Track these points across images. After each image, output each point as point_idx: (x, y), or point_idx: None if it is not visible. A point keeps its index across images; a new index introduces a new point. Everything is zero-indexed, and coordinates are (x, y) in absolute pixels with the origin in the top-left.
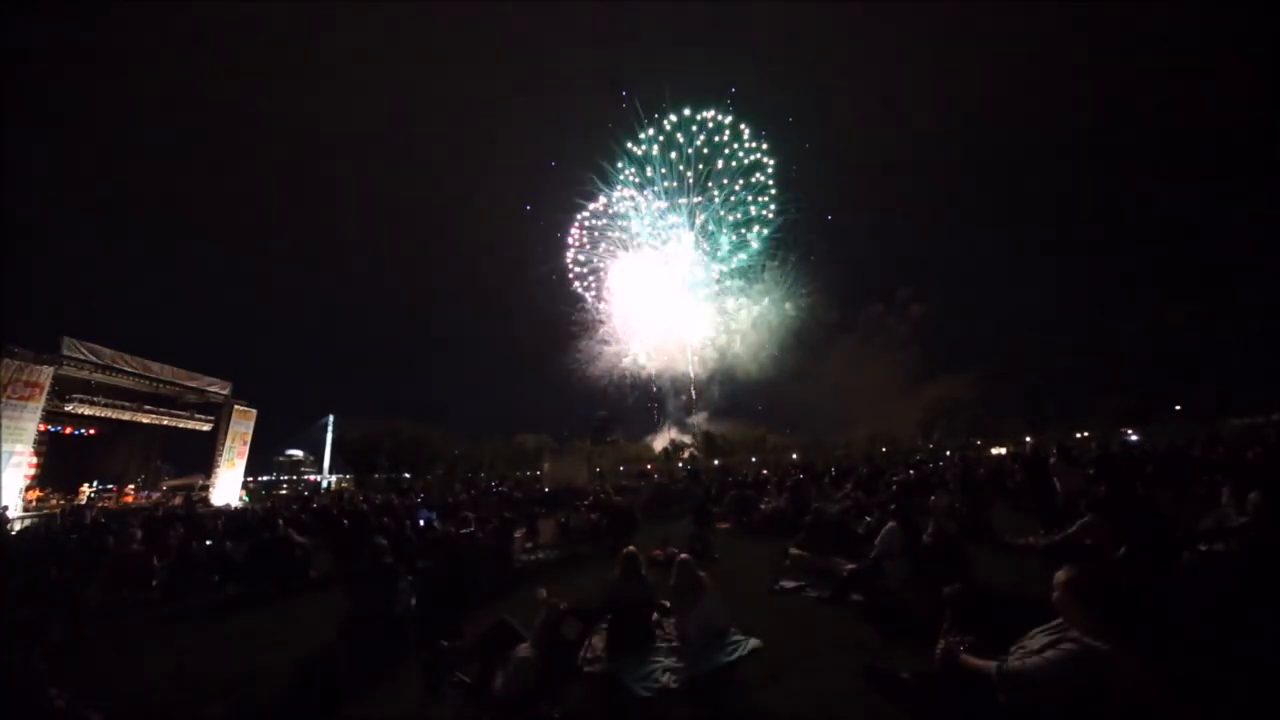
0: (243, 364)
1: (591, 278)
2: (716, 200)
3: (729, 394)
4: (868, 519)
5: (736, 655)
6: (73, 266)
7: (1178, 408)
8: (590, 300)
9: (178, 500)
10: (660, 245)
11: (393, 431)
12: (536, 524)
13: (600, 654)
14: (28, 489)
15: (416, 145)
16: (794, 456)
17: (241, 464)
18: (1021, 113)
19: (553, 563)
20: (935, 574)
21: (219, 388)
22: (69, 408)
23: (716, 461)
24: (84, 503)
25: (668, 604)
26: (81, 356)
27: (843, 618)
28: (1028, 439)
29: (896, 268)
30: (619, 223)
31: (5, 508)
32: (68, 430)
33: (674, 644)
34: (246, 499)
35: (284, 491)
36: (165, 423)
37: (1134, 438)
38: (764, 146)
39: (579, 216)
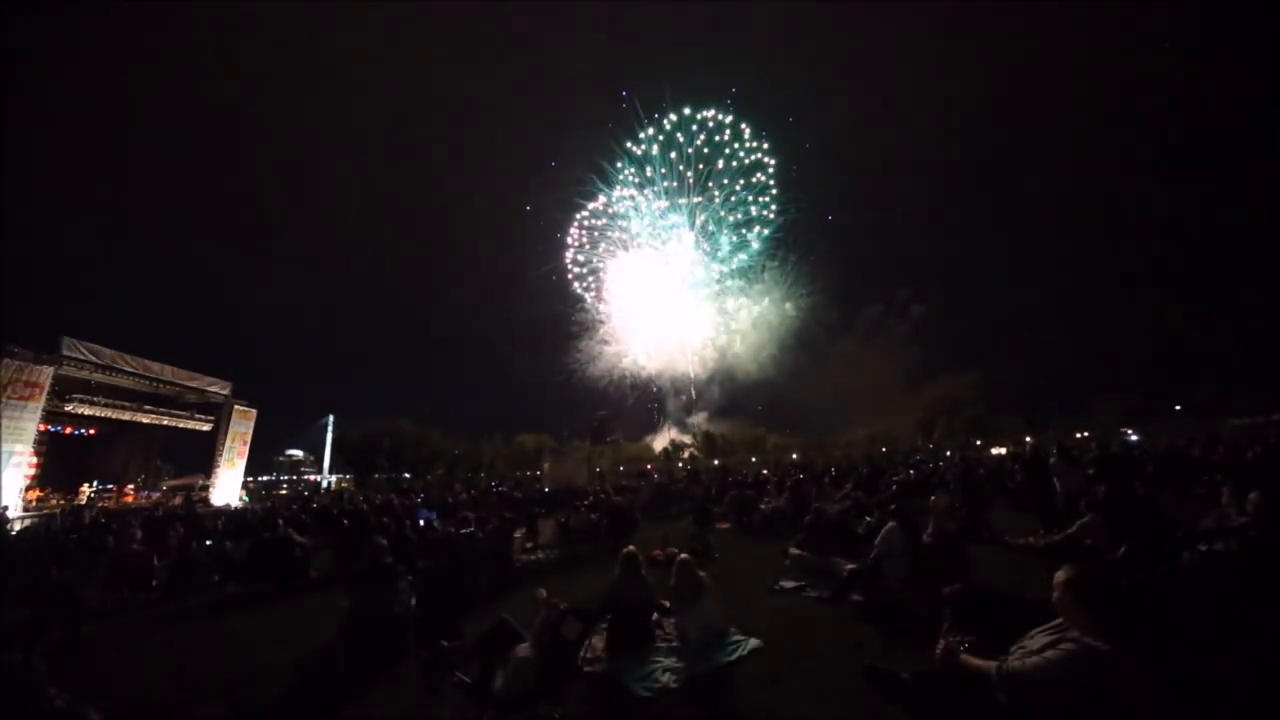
0: (243, 364)
1: (591, 278)
2: (717, 200)
3: (729, 394)
4: (868, 519)
5: (736, 655)
6: (73, 266)
7: (1178, 408)
8: (590, 300)
9: (178, 500)
10: (660, 245)
11: (393, 431)
12: (536, 524)
13: (600, 654)
14: (28, 489)
15: (416, 145)
16: (794, 456)
17: (241, 464)
18: (1021, 113)
19: (553, 563)
20: (935, 574)
21: (219, 388)
22: (69, 408)
23: (716, 461)
24: (84, 503)
25: (668, 604)
26: (81, 356)
27: (843, 618)
28: (1028, 439)
29: (896, 268)
30: (619, 223)
31: (5, 508)
32: (68, 430)
33: (674, 644)
34: (246, 499)
35: (284, 491)
36: (165, 423)
37: (1134, 438)
38: (765, 146)
39: (579, 216)
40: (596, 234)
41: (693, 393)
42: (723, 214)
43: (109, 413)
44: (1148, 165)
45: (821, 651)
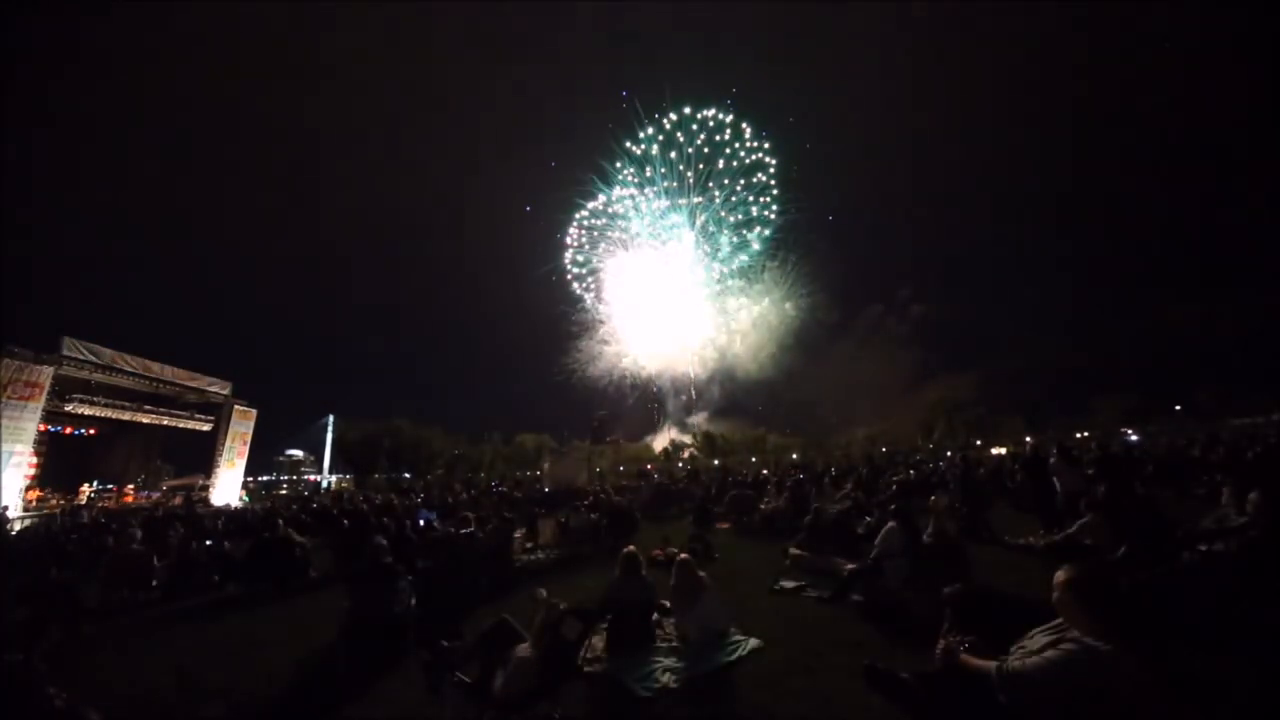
0: (243, 364)
1: (591, 278)
2: (717, 200)
3: (729, 394)
4: (868, 519)
5: (736, 655)
6: (73, 266)
7: (1178, 408)
8: (590, 300)
9: (178, 500)
10: (660, 245)
11: (393, 431)
12: (536, 524)
13: (600, 654)
14: (28, 489)
15: (417, 145)
16: (794, 456)
17: (241, 464)
18: (1022, 113)
19: (553, 563)
20: (935, 574)
21: (219, 388)
22: (69, 408)
23: (716, 461)
24: (83, 503)
25: (668, 604)
26: (81, 356)
27: (843, 618)
28: (1028, 439)
29: (897, 268)
30: (619, 222)
31: (5, 508)
32: (68, 430)
33: (674, 644)
34: (246, 499)
35: (284, 491)
36: (165, 423)
37: (1134, 438)
38: (765, 145)
39: (579, 217)
40: (596, 234)
41: (693, 393)
42: (723, 214)
43: (109, 413)
44: (1148, 165)
45: (821, 651)
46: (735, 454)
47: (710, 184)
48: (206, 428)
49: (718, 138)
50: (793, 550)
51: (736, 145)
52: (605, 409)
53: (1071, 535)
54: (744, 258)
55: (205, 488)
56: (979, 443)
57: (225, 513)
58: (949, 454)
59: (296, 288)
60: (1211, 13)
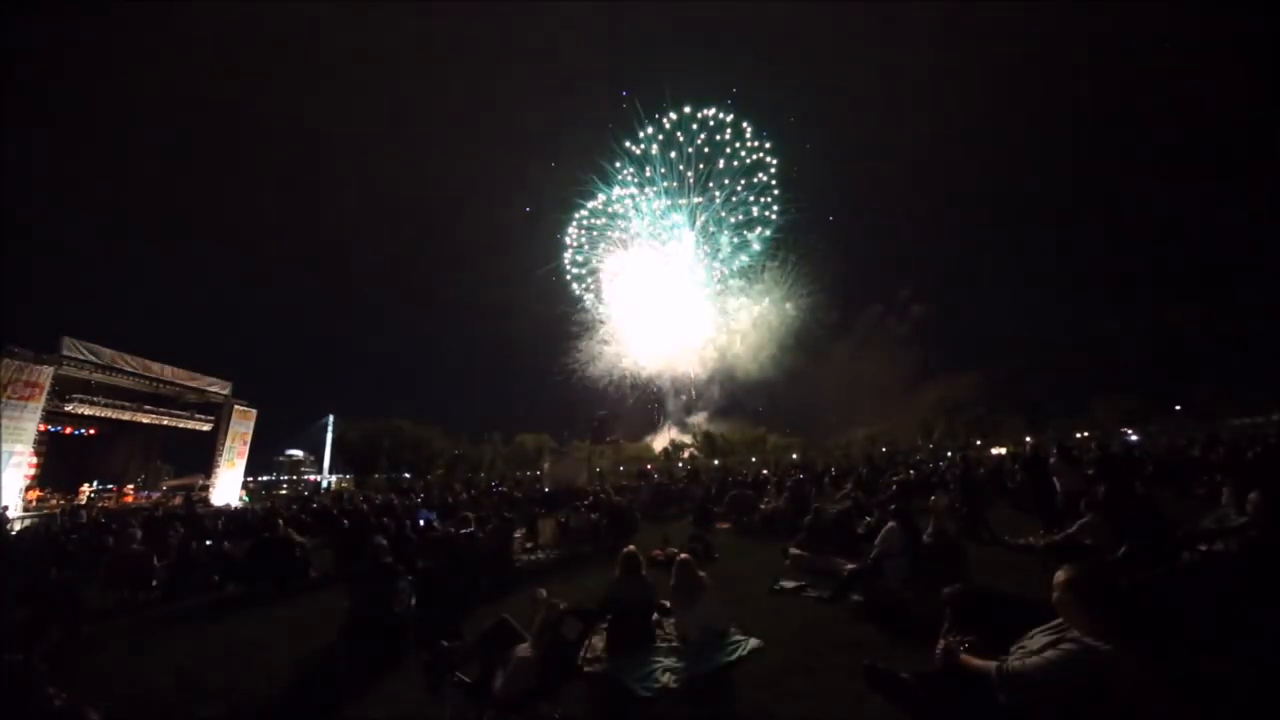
0: (243, 364)
1: (591, 278)
2: (717, 200)
3: (729, 394)
4: (868, 519)
5: (736, 655)
6: (73, 266)
7: (1178, 408)
8: (590, 300)
9: (178, 500)
10: (660, 245)
11: (393, 431)
12: (536, 524)
13: (600, 654)
14: (28, 489)
15: (417, 145)
16: (794, 456)
17: (241, 464)
18: (1022, 113)
19: (553, 563)
20: (935, 574)
21: (219, 388)
22: (69, 408)
23: (716, 461)
24: (83, 503)
25: (668, 604)
26: (81, 356)
27: (843, 618)
28: (1028, 439)
29: (897, 268)
30: (619, 222)
31: (5, 508)
32: (68, 430)
33: (674, 644)
34: (246, 499)
35: (284, 491)
36: (165, 423)
37: (1134, 438)
38: (767, 145)
39: (578, 216)
40: (596, 234)
41: (693, 393)
42: (723, 214)
43: (109, 413)
44: (1148, 165)
45: (821, 651)
46: (735, 454)
47: (710, 184)
48: (206, 428)
49: (718, 137)
50: (793, 550)
51: (737, 145)
52: (605, 409)
53: (1071, 535)
54: (744, 258)
55: (205, 488)
56: (979, 443)
57: (225, 513)
58: (949, 454)
59: (296, 288)
60: (1211, 13)
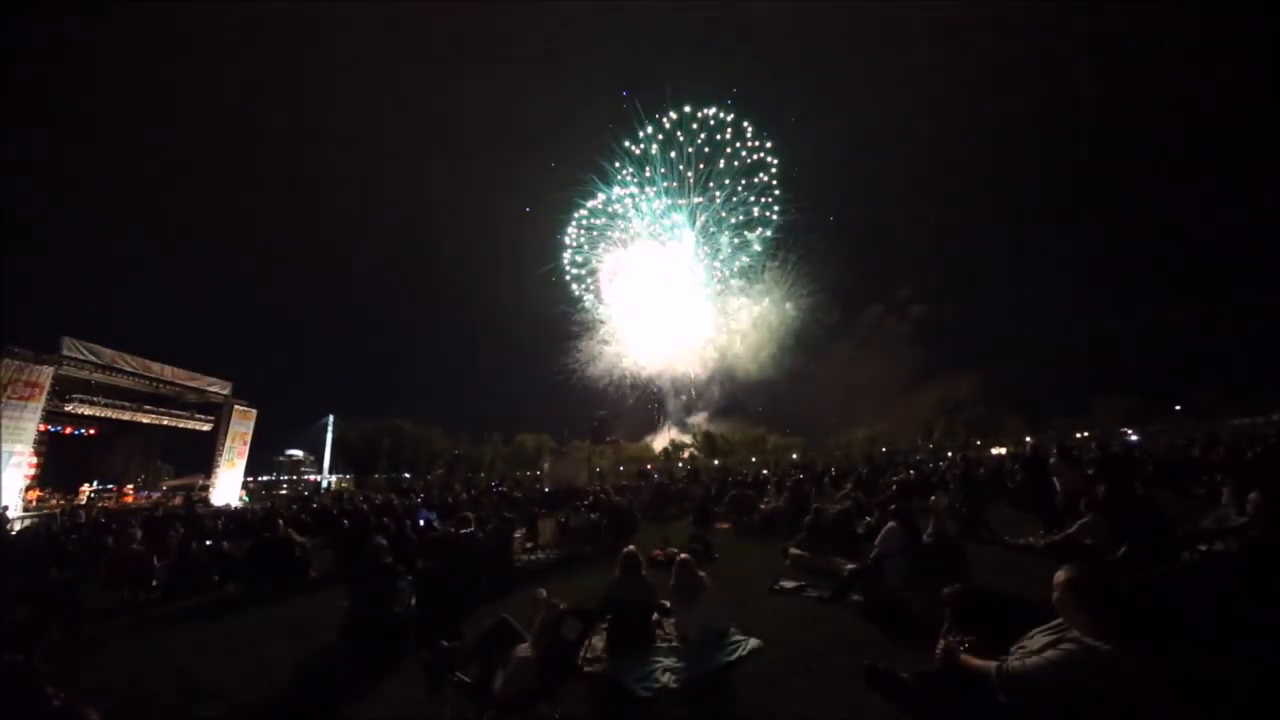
0: (243, 364)
1: (591, 278)
2: (718, 200)
3: (729, 394)
4: (868, 519)
5: (736, 655)
6: (73, 266)
7: (1178, 408)
8: (590, 300)
9: (178, 500)
10: (661, 245)
11: (393, 431)
12: (536, 524)
13: (600, 654)
14: (28, 489)
15: (417, 145)
16: (794, 456)
17: (241, 464)
18: (1023, 113)
19: (553, 563)
20: (935, 574)
21: (219, 388)
22: (69, 408)
23: (716, 461)
24: (83, 503)
25: (668, 604)
26: (81, 356)
27: (843, 618)
28: (1028, 439)
29: (897, 268)
30: (619, 222)
31: (5, 508)
32: (68, 430)
33: (674, 644)
34: (246, 499)
35: (284, 491)
36: (165, 423)
37: (1134, 438)
38: (768, 145)
39: (578, 216)
40: (596, 234)
41: (693, 393)
42: (723, 214)
43: (109, 413)
44: (1148, 165)
45: (821, 651)
46: (735, 454)
47: (710, 184)
48: (206, 428)
49: (718, 137)
50: (793, 550)
51: (737, 144)
52: (605, 409)
53: (1071, 535)
54: (744, 258)
55: (205, 488)
56: (979, 443)
57: (225, 513)
58: (949, 454)
59: (296, 287)
60: (1211, 13)
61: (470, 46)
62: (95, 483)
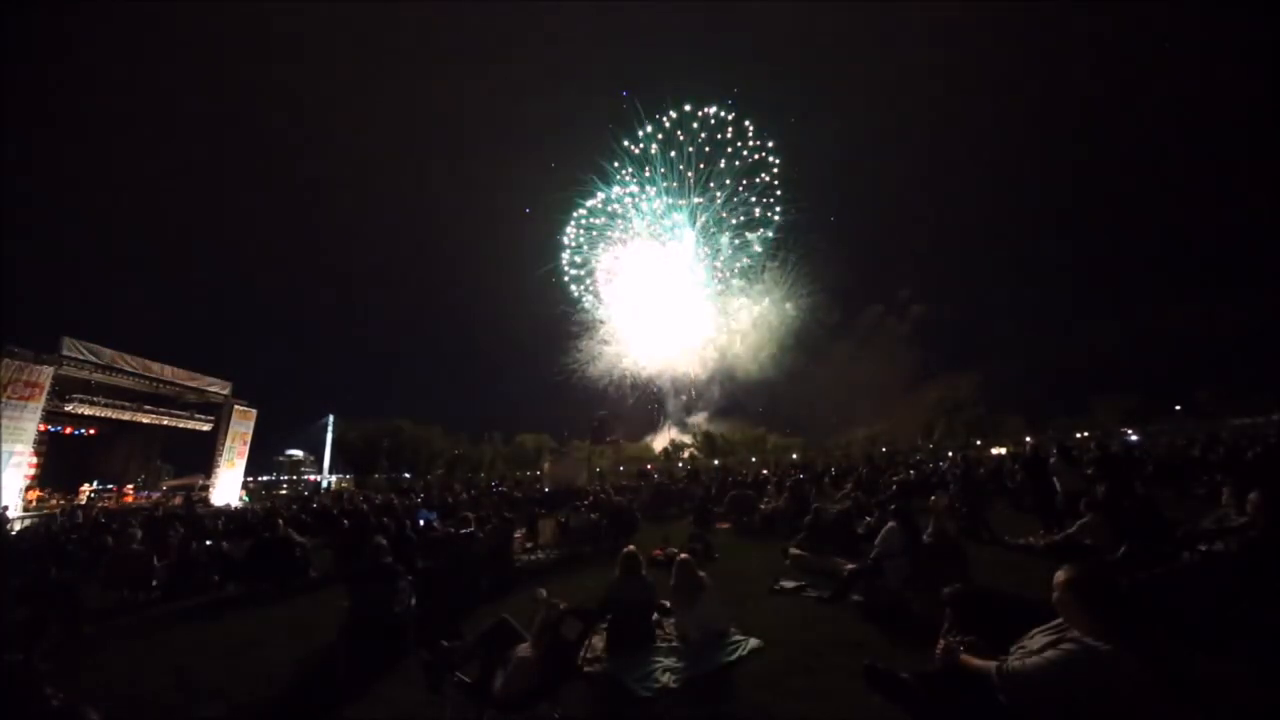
0: (243, 364)
1: (591, 278)
2: (718, 200)
3: (729, 394)
4: (868, 519)
5: (736, 655)
6: (73, 266)
7: (1178, 408)
8: (590, 300)
9: (178, 500)
10: (661, 245)
11: (393, 431)
12: (536, 524)
13: (600, 654)
14: (28, 489)
15: (416, 145)
16: (794, 456)
17: (241, 464)
18: (1023, 113)
19: (553, 563)
20: (935, 574)
21: (219, 388)
22: (69, 408)
23: (716, 461)
24: (83, 503)
25: (668, 604)
26: (81, 356)
27: (843, 618)
28: (1028, 439)
29: (897, 268)
30: (619, 222)
31: (5, 508)
32: (68, 430)
33: (674, 644)
34: (246, 499)
35: (284, 491)
36: (165, 423)
37: (1134, 438)
38: (770, 145)
39: (578, 216)
40: (596, 234)
41: (693, 393)
42: (723, 214)
43: (109, 413)
44: (1148, 165)
45: (821, 651)
46: (735, 454)
47: (711, 184)
48: (206, 428)
49: (719, 136)
50: (793, 550)
51: (738, 144)
52: (605, 409)
53: (1071, 535)
54: (747, 261)
55: (205, 488)
56: (979, 443)
57: (225, 513)
58: (949, 454)
59: (296, 287)
60: (1211, 13)
61: (470, 46)
62: (95, 483)
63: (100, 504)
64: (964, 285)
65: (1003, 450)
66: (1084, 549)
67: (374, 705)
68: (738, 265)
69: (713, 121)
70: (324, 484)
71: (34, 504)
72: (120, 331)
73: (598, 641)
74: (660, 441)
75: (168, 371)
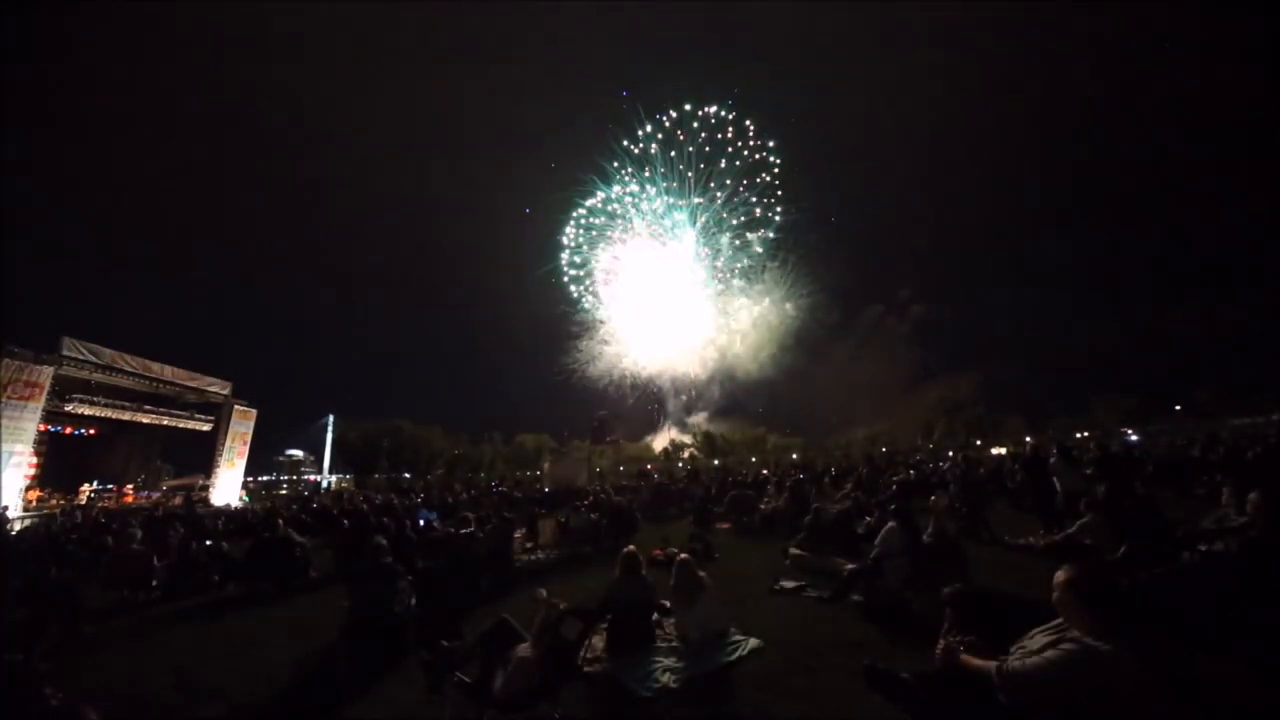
0: (243, 364)
1: (591, 278)
2: (718, 200)
3: (729, 394)
4: (868, 519)
5: (736, 655)
6: (73, 266)
7: (1178, 408)
8: (590, 300)
9: (178, 500)
10: (661, 245)
11: (393, 431)
12: (536, 524)
13: (600, 654)
14: (28, 489)
15: (416, 145)
16: (794, 456)
17: (241, 464)
18: (1023, 114)
19: (553, 563)
20: (935, 574)
21: (219, 388)
22: (69, 408)
23: (716, 461)
24: (83, 503)
25: (668, 604)
26: (81, 356)
27: (843, 618)
28: (1028, 439)
29: (897, 268)
30: (619, 222)
31: (5, 508)
32: (68, 430)
33: (674, 644)
34: (246, 499)
35: (284, 491)
36: (165, 423)
37: (1134, 438)
38: (771, 144)
39: (578, 216)
40: (596, 234)
41: (693, 393)
42: (724, 214)
43: (109, 413)
44: (1148, 165)
45: (821, 651)
46: (735, 454)
47: (711, 184)
48: (206, 428)
49: (719, 136)
50: (793, 550)
51: (739, 144)
52: (605, 409)
53: (1071, 535)
54: (747, 262)
55: (205, 488)
56: (979, 443)
57: (225, 513)
58: (949, 454)
59: (296, 287)
60: (1211, 13)
61: (470, 46)
62: (95, 483)
63: (100, 504)
64: (964, 285)
65: (1003, 450)
66: (1084, 549)
67: (374, 705)
68: (738, 265)
69: (713, 121)
70: (324, 484)
71: (34, 504)
72: (120, 331)
73: (598, 641)
74: (660, 441)
75: (168, 371)
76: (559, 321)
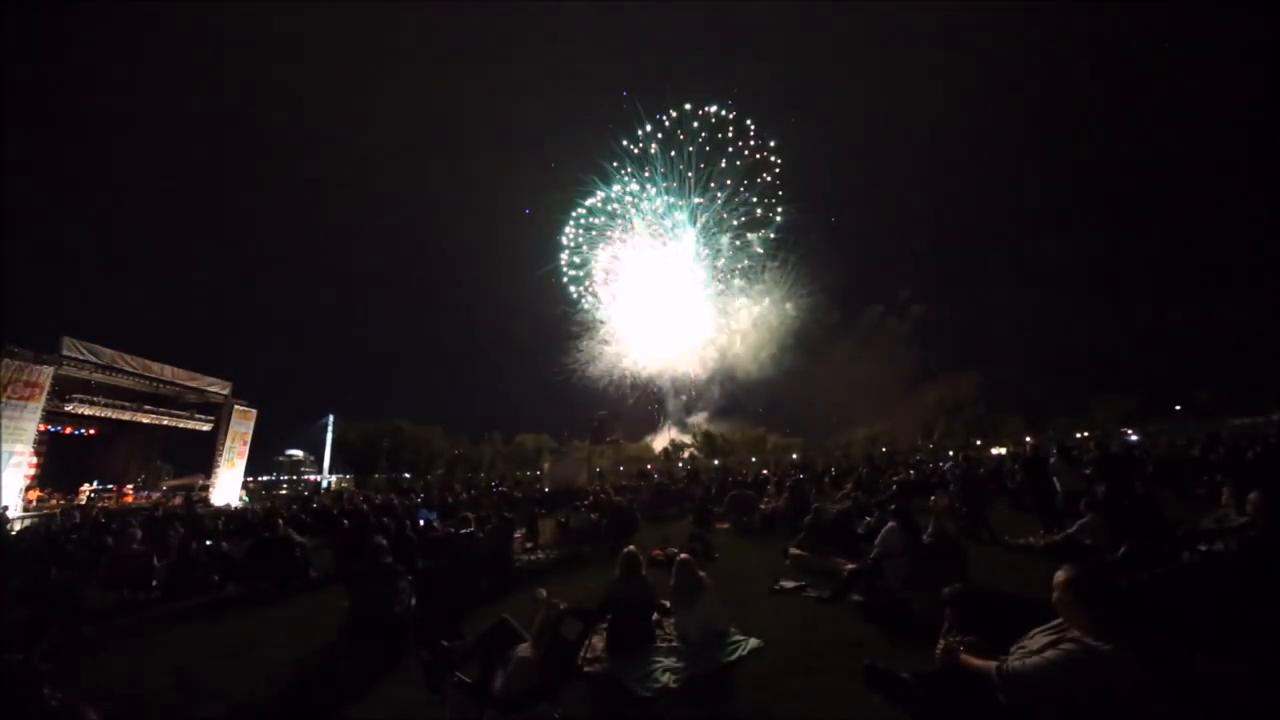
0: (243, 364)
1: (591, 279)
2: (719, 200)
3: (729, 394)
4: (868, 519)
5: (736, 655)
6: (73, 266)
7: (1178, 408)
8: (590, 300)
9: (178, 500)
10: (661, 245)
11: (393, 431)
12: (536, 524)
13: (600, 654)
14: (28, 489)
15: (416, 145)
16: (794, 456)
17: (241, 464)
18: (1023, 114)
19: (553, 563)
20: (935, 574)
21: (219, 388)
22: (69, 408)
23: (716, 461)
24: (83, 503)
25: (668, 604)
26: (81, 356)
27: (843, 618)
28: (1028, 439)
29: (897, 268)
30: (619, 222)
31: (5, 508)
32: (68, 430)
33: (674, 644)
34: (246, 499)
35: (284, 491)
36: (165, 423)
37: (1134, 438)
38: (772, 144)
39: (578, 216)
40: (596, 234)
41: (693, 393)
42: (724, 214)
43: (109, 413)
44: (1148, 165)
45: (821, 651)
46: (735, 454)
47: (711, 184)
48: (206, 428)
49: (719, 136)
50: (793, 550)
51: (739, 144)
52: (605, 409)
53: (1071, 535)
54: (747, 262)
55: (205, 488)
56: (979, 443)
57: (225, 513)
58: (949, 454)
59: (296, 287)
60: (1211, 13)
61: (470, 46)
62: (95, 483)
63: (100, 504)
64: (964, 285)
65: (1003, 450)
66: (1084, 549)
67: (374, 705)
68: (738, 265)
69: (713, 121)
70: (324, 484)
71: (34, 504)
72: (120, 331)
73: (598, 641)
74: (660, 441)
75: (168, 371)
76: (559, 321)
